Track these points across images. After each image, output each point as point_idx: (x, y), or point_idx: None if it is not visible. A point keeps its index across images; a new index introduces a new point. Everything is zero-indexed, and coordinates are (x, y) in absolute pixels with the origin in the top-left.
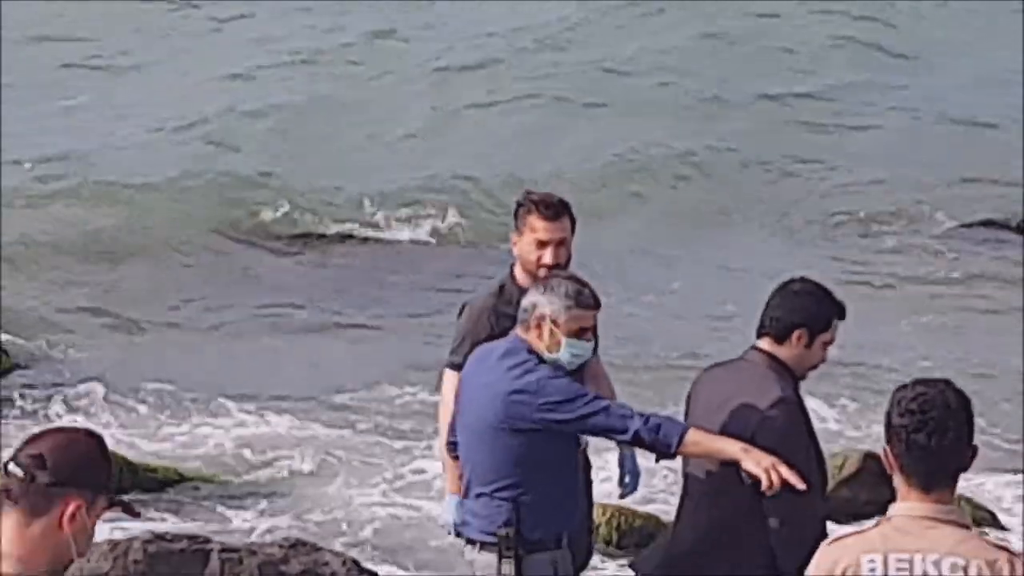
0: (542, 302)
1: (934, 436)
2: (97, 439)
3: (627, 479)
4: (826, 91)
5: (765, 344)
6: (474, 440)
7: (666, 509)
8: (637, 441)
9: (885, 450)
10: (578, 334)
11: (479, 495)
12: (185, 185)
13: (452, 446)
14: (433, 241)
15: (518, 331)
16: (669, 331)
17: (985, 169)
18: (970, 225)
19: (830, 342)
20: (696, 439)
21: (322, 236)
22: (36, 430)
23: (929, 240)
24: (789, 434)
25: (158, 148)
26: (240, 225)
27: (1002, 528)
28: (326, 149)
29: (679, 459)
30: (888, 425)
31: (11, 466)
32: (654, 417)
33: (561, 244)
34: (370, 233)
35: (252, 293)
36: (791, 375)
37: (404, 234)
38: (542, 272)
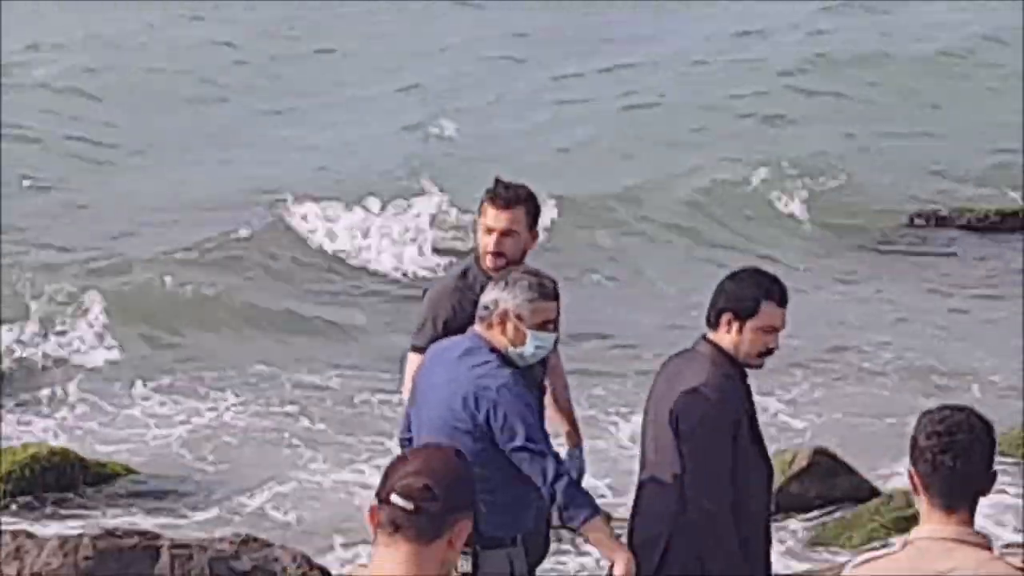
0: (504, 298)
1: (960, 459)
2: (461, 455)
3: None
4: None
5: (709, 333)
6: (434, 437)
7: (615, 503)
8: (551, 498)
9: (910, 472)
10: (542, 326)
11: None
12: None
13: (406, 442)
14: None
15: (478, 329)
16: None
17: None
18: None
19: (769, 329)
20: (596, 527)
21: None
22: (403, 454)
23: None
24: (705, 419)
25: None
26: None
27: None
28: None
29: (638, 453)
30: (914, 447)
31: (395, 498)
32: (578, 488)
33: (507, 234)
34: None
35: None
36: (733, 363)
37: None
38: (488, 260)
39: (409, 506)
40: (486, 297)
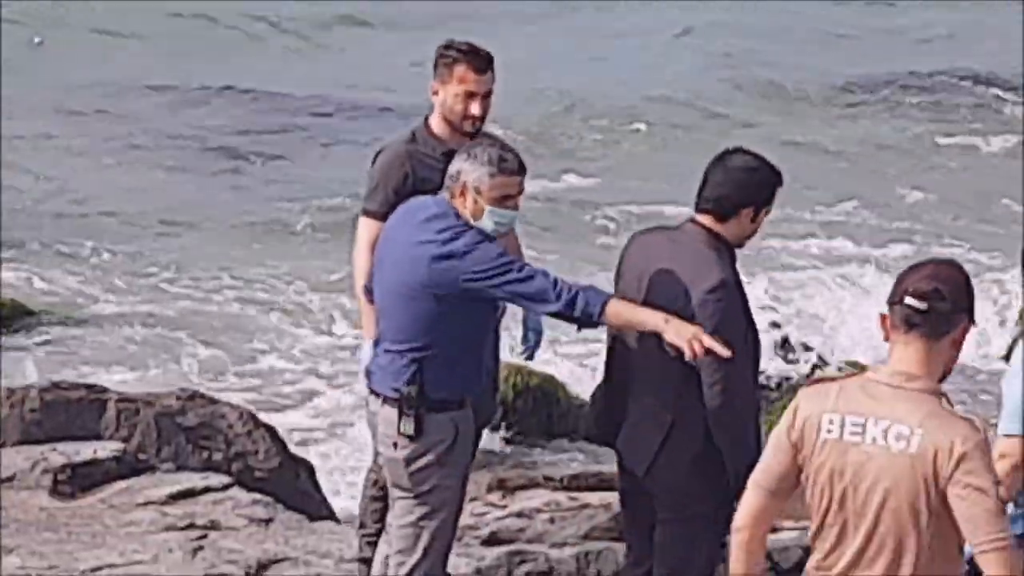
0: (466, 169)
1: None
2: (961, 267)
3: (530, 337)
4: None
5: (706, 220)
6: (390, 297)
7: (562, 370)
8: (561, 312)
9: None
10: (501, 202)
11: (387, 351)
12: None
13: (369, 291)
14: None
15: (446, 195)
16: None
17: None
18: None
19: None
20: (618, 310)
21: None
22: (914, 264)
23: None
24: (728, 319)
25: None
26: None
27: None
28: None
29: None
30: None
31: (908, 299)
32: (576, 285)
33: (487, 96)
34: None
35: None
36: (729, 250)
37: None
38: (467, 124)
39: (922, 306)
40: (452, 167)
